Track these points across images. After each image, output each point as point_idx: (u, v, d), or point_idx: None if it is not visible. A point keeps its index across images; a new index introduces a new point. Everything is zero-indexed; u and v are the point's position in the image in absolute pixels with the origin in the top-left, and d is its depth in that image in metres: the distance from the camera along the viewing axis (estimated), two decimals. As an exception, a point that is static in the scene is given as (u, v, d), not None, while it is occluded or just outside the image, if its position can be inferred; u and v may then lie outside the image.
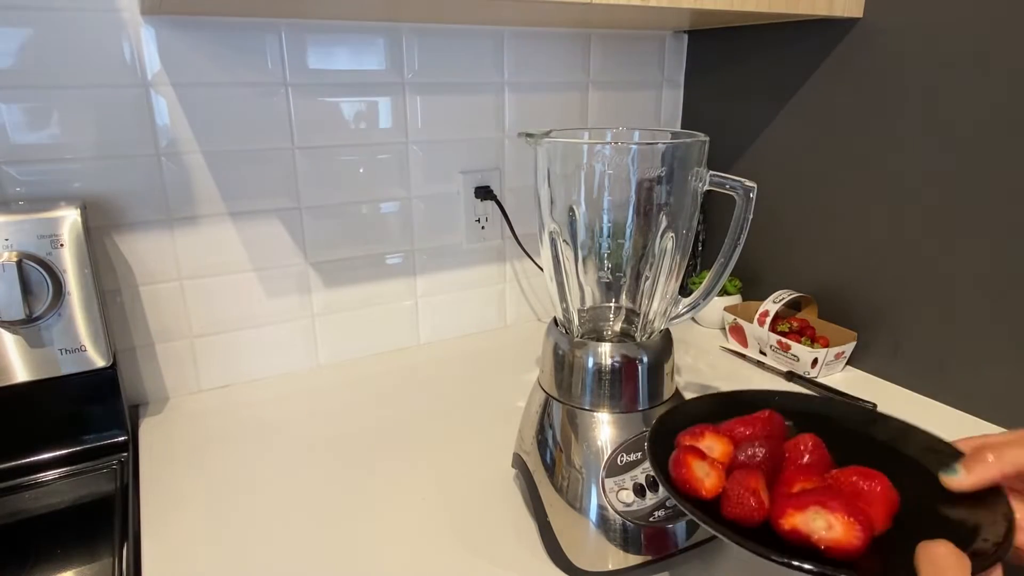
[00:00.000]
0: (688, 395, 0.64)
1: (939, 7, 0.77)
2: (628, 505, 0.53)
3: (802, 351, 0.89)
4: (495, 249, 1.05)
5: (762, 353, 0.96)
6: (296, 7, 0.74)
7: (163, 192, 0.80)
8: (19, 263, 0.64)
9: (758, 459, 0.42)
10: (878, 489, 0.39)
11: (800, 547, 0.37)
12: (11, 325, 0.66)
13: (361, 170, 0.91)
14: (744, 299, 1.08)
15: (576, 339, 0.58)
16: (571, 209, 0.59)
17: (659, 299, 0.60)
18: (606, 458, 0.54)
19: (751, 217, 0.57)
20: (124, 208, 0.78)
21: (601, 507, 0.54)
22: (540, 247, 0.62)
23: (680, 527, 0.55)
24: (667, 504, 0.54)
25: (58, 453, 0.72)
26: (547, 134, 0.58)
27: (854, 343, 0.91)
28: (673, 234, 0.58)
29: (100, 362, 0.72)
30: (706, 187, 0.58)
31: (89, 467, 0.71)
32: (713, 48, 1.07)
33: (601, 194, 0.57)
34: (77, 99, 0.73)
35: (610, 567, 0.54)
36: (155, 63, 0.76)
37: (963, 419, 0.79)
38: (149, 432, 0.78)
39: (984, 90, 0.74)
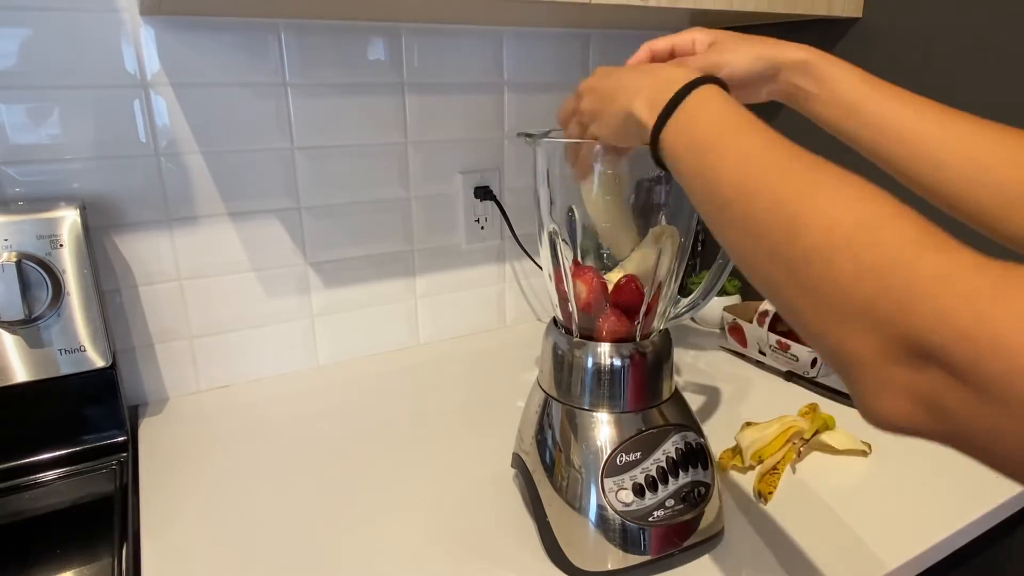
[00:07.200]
0: (688, 395, 0.64)
1: (938, 7, 0.77)
2: (627, 505, 0.53)
3: (801, 351, 0.89)
4: (495, 249, 1.05)
5: (761, 353, 0.96)
6: (296, 7, 0.74)
7: (162, 192, 0.80)
8: (18, 263, 0.64)
9: None
10: None
11: None
12: (10, 325, 0.66)
13: (361, 170, 0.91)
14: (743, 299, 1.08)
15: (575, 339, 0.58)
16: (571, 209, 0.59)
17: (658, 299, 0.60)
18: (605, 458, 0.54)
19: (750, 217, 0.57)
20: (123, 208, 0.78)
21: (600, 507, 0.54)
22: (540, 247, 0.62)
23: (679, 527, 0.55)
24: (667, 504, 0.54)
25: (58, 453, 0.72)
26: (547, 134, 0.58)
27: (854, 343, 0.91)
28: (672, 234, 0.58)
29: (99, 362, 0.72)
30: (705, 187, 0.58)
31: (89, 467, 0.71)
32: (713, 48, 1.07)
33: (601, 194, 0.57)
34: (77, 99, 0.73)
35: (609, 567, 0.54)
36: (155, 63, 0.76)
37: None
38: (149, 432, 0.78)
39: (984, 90, 0.74)
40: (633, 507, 0.53)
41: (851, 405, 0.82)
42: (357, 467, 0.71)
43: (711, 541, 0.58)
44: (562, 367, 0.58)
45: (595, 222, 0.57)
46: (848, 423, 0.80)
